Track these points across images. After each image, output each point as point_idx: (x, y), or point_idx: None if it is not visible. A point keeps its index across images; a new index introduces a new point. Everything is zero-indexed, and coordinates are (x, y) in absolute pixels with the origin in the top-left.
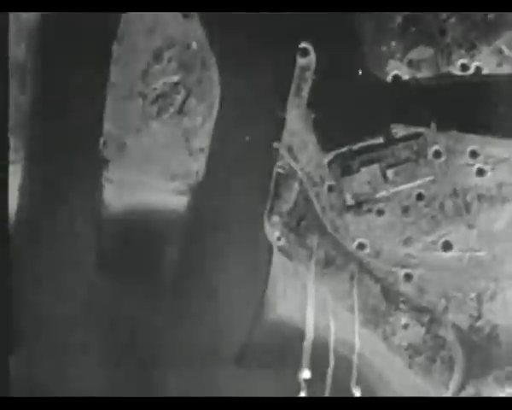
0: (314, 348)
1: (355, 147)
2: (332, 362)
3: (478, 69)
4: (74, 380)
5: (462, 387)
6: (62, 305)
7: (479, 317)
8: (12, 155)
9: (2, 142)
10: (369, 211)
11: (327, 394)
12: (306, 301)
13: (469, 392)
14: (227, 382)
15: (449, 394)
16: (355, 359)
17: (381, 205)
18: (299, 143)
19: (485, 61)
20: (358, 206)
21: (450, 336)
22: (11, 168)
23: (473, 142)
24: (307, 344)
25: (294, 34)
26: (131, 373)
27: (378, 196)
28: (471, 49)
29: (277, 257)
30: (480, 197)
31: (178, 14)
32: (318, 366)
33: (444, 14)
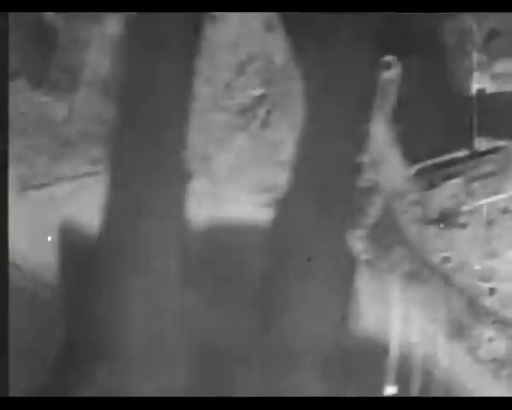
0: (399, 363)
1: (439, 160)
2: (417, 377)
3: None
4: (159, 390)
5: None
6: (149, 317)
7: None
8: (94, 167)
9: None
10: (454, 224)
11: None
12: (391, 314)
13: None
14: (310, 389)
15: None
16: (439, 372)
17: (465, 218)
18: (384, 157)
19: None
20: (442, 219)
21: None
22: (93, 180)
23: None
24: (392, 358)
25: (379, 48)
26: (214, 384)
27: (462, 209)
28: None
29: (362, 270)
30: None
31: (262, 28)
32: (403, 379)
33: None
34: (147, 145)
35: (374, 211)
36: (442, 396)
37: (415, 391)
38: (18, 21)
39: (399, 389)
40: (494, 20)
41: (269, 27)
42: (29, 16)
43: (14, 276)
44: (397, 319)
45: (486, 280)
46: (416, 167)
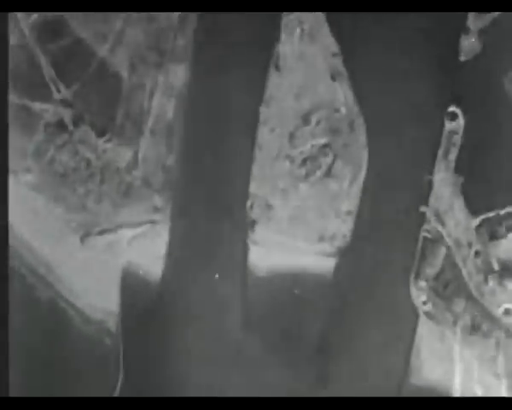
0: None
1: (502, 212)
2: None
3: None
4: None
5: None
6: (209, 371)
7: None
8: (157, 215)
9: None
10: None
11: None
12: (452, 366)
13: None
14: None
15: None
16: None
17: None
18: (447, 207)
19: None
20: (505, 271)
21: None
22: (154, 228)
23: None
24: None
25: (443, 98)
26: None
27: None
28: None
29: (423, 321)
30: None
31: (327, 76)
32: None
33: None
34: (209, 194)
35: (436, 262)
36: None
37: None
38: (81, 67)
39: None
40: None
41: (334, 76)
42: (94, 63)
43: (76, 320)
44: (458, 372)
45: None
46: (480, 219)
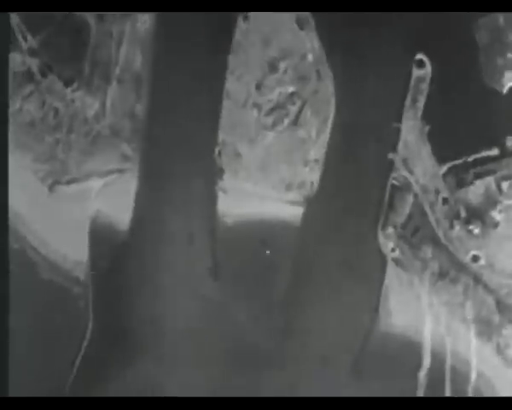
0: (431, 360)
1: (470, 159)
2: (448, 374)
3: None
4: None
5: None
6: (176, 308)
7: None
8: (126, 164)
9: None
10: (484, 223)
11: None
12: (420, 312)
13: None
14: (339, 389)
15: None
16: (471, 373)
17: (495, 217)
18: (414, 155)
19: None
20: (473, 218)
21: None
22: (123, 176)
23: None
24: (424, 355)
25: (411, 46)
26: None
27: (492, 208)
28: None
29: (391, 268)
30: None
31: (295, 26)
32: (435, 377)
33: None
34: (177, 142)
35: (404, 209)
36: (448, 396)
37: (447, 389)
38: (49, 18)
39: (432, 388)
40: None
41: (301, 25)
42: (60, 13)
43: (44, 270)
44: (426, 316)
45: None
46: (447, 166)
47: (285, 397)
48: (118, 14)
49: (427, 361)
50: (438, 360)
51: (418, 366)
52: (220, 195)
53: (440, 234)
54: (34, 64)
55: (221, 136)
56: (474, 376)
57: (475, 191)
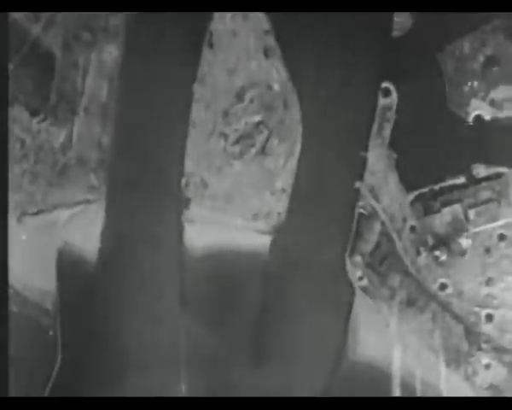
0: (400, 388)
1: (437, 187)
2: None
3: None
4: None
5: None
6: (145, 340)
7: None
8: (93, 194)
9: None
10: (451, 251)
11: None
12: (389, 340)
13: None
14: None
15: None
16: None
17: (462, 245)
18: (381, 184)
19: None
20: (440, 246)
21: None
22: (92, 206)
23: None
24: (393, 383)
25: (377, 75)
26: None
27: (460, 236)
28: None
29: (360, 297)
30: None
31: (261, 55)
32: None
33: None
34: (144, 172)
35: (372, 237)
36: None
37: None
38: (16, 48)
39: None
40: (492, 47)
41: (267, 54)
42: (27, 43)
43: (14, 301)
44: (396, 345)
45: (483, 307)
46: (414, 194)
47: (285, 397)
48: (83, 44)
49: (396, 390)
50: (407, 387)
51: (388, 394)
52: (187, 225)
53: (408, 262)
54: None
55: (188, 166)
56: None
57: (442, 219)
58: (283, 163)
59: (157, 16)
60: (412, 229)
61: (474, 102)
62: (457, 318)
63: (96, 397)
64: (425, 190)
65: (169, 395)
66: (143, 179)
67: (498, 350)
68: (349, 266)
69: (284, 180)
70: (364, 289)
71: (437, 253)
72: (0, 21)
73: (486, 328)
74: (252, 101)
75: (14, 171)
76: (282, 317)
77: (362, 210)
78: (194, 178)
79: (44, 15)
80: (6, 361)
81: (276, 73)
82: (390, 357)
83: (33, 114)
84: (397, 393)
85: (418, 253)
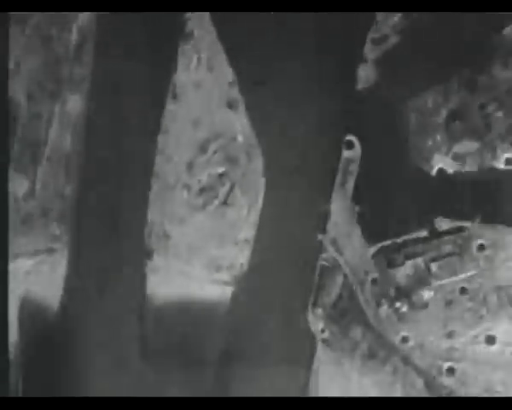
0: None
1: (399, 240)
2: None
3: None
4: None
5: None
6: (106, 392)
7: None
8: (56, 244)
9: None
10: (413, 304)
11: None
12: (350, 393)
13: None
14: None
15: None
16: None
17: (424, 298)
18: (344, 236)
19: None
20: (402, 299)
21: None
22: (55, 256)
23: None
24: None
25: (340, 127)
26: None
27: (422, 289)
28: None
29: (321, 349)
30: None
31: (224, 106)
32: None
33: (489, 108)
34: (106, 223)
35: (334, 290)
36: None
37: None
38: None
39: None
40: (454, 101)
41: (231, 105)
42: None
43: None
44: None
45: (445, 360)
46: (376, 247)
47: (285, 397)
48: (47, 94)
49: None
50: None
51: None
52: (150, 275)
53: (370, 315)
54: None
55: (150, 216)
56: None
57: (405, 272)
58: (246, 214)
59: (121, 66)
60: (374, 281)
61: (437, 156)
62: (418, 371)
63: (96, 397)
64: (387, 243)
65: None
66: (106, 230)
67: None
68: (311, 319)
69: (247, 231)
70: (326, 342)
71: (398, 304)
72: (0, 21)
73: (448, 381)
74: (215, 152)
75: None
76: (242, 369)
77: (324, 262)
78: (156, 229)
79: (10, 64)
80: (6, 361)
81: (240, 125)
82: None
83: None
84: None
85: (379, 305)
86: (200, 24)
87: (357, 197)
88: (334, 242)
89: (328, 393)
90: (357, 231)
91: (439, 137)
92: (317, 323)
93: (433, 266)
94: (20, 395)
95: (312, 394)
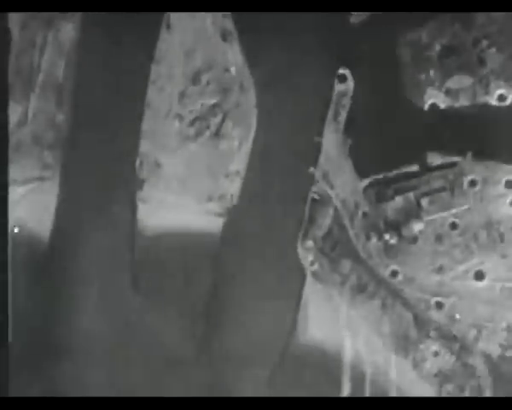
0: (351, 372)
1: (390, 174)
2: (367, 391)
3: None
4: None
5: None
6: (97, 321)
7: (509, 346)
8: (47, 172)
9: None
10: (403, 239)
11: None
12: (339, 325)
13: None
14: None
15: None
16: (389, 386)
17: (414, 233)
18: (335, 169)
19: None
20: (392, 233)
21: (480, 364)
22: (46, 184)
23: (508, 172)
24: (343, 368)
25: (334, 60)
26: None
27: (412, 223)
28: (509, 79)
29: (310, 281)
30: None
31: (218, 37)
32: (355, 387)
33: (483, 44)
34: (99, 152)
35: (324, 223)
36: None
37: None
38: None
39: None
40: (448, 36)
41: (225, 37)
42: None
43: None
44: (345, 330)
45: (434, 295)
46: (368, 181)
47: (285, 397)
48: (41, 22)
49: (346, 375)
50: (357, 373)
51: (338, 380)
52: (140, 205)
53: (359, 248)
54: None
55: (142, 146)
56: (393, 391)
57: (395, 206)
58: (238, 145)
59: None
60: (364, 215)
61: (430, 91)
62: (407, 305)
63: (96, 397)
64: (379, 177)
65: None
66: (98, 159)
67: (447, 338)
68: (301, 251)
69: (238, 163)
70: (315, 274)
71: (387, 237)
72: (0, 21)
73: (436, 316)
74: (208, 83)
75: None
76: (232, 300)
77: (315, 195)
78: (148, 159)
79: None
80: (6, 361)
81: (233, 57)
82: (340, 342)
83: None
84: (346, 377)
85: (368, 237)
86: None
87: (349, 131)
88: (325, 175)
89: (317, 325)
90: (348, 165)
91: (432, 72)
92: (306, 255)
93: (424, 201)
94: (10, 325)
95: (301, 326)
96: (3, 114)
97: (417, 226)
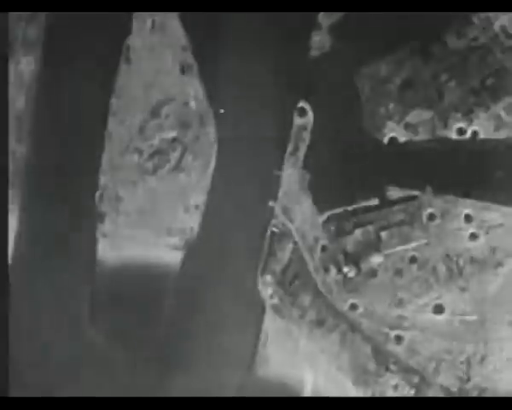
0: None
1: (350, 208)
2: None
3: (475, 134)
4: None
5: None
6: (55, 357)
7: (468, 380)
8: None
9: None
10: (362, 272)
11: None
12: (298, 359)
13: None
14: None
15: None
16: None
17: (374, 266)
18: (295, 203)
19: (482, 126)
20: (351, 266)
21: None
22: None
23: (467, 206)
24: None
25: (293, 94)
26: None
27: (371, 257)
28: (468, 113)
29: (270, 315)
30: (472, 261)
31: (177, 70)
32: None
33: (442, 78)
34: (59, 186)
35: (283, 256)
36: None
37: None
38: None
39: None
40: (407, 69)
41: (184, 70)
42: None
43: None
44: (305, 364)
45: (393, 328)
46: (327, 214)
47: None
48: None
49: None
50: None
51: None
52: (101, 238)
53: (318, 282)
54: None
55: (102, 179)
56: None
57: (354, 240)
58: (197, 179)
59: (75, 29)
60: (324, 249)
61: (390, 125)
62: (366, 338)
63: (96, 397)
64: (338, 210)
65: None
66: (57, 192)
67: (406, 371)
68: (260, 284)
69: (198, 196)
70: (275, 308)
71: (345, 269)
72: (0, 21)
73: (395, 349)
74: (167, 117)
75: None
76: (190, 332)
77: (275, 229)
78: (108, 192)
79: None
80: (6, 361)
81: (193, 90)
82: (300, 377)
83: None
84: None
85: (327, 270)
86: None
87: (308, 164)
88: (285, 209)
89: (277, 359)
90: (308, 199)
91: (391, 106)
92: (266, 289)
93: (384, 234)
94: None
95: (260, 358)
96: (4, 157)
97: (377, 260)
